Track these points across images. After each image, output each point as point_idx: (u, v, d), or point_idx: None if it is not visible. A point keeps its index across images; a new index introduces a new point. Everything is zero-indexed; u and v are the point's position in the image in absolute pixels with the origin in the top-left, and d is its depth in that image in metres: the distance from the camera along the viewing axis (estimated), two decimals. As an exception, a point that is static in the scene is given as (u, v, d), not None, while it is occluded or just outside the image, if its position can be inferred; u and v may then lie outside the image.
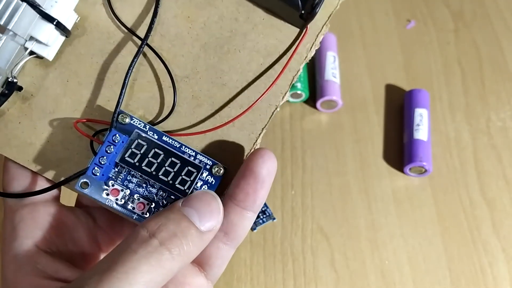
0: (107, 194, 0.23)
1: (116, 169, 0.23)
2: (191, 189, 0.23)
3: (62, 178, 0.24)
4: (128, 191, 0.23)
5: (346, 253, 0.42)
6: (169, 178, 0.23)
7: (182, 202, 0.22)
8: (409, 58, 0.53)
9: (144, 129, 0.23)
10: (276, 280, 0.41)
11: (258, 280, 0.41)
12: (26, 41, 0.23)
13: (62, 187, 0.25)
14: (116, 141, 0.23)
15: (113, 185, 0.23)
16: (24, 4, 0.22)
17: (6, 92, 0.23)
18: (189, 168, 0.23)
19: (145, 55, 0.25)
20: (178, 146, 0.24)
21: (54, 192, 0.25)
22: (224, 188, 0.24)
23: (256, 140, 0.25)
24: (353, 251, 0.43)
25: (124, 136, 0.23)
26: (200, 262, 0.23)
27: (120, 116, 0.23)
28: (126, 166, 0.23)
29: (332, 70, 0.49)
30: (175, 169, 0.23)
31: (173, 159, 0.23)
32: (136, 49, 0.24)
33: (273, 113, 0.25)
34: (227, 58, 0.25)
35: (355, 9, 0.55)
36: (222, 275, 0.26)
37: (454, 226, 0.44)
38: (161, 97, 0.25)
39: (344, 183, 0.46)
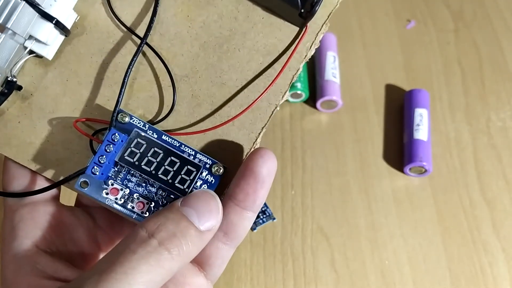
0: (107, 194, 0.23)
1: (116, 168, 0.23)
2: (190, 188, 0.23)
3: (62, 178, 0.24)
4: (127, 190, 0.23)
5: (346, 253, 0.42)
6: (168, 177, 0.23)
7: (181, 201, 0.22)
8: (409, 58, 0.53)
9: (144, 128, 0.23)
10: (276, 280, 0.41)
11: (258, 280, 0.41)
12: (26, 40, 0.23)
13: (62, 186, 0.25)
14: (116, 140, 0.23)
15: (112, 184, 0.23)
16: (23, 2, 0.22)
17: (6, 91, 0.23)
18: (189, 167, 0.23)
19: (144, 54, 0.25)
20: (177, 145, 0.24)
21: (53, 191, 0.25)
22: (224, 187, 0.24)
23: (256, 140, 0.25)
24: (353, 251, 0.42)
25: (123, 135, 0.23)
26: (199, 262, 0.23)
27: (119, 115, 0.23)
28: (125, 165, 0.23)
29: (332, 70, 0.49)
30: (174, 168, 0.23)
31: (172, 158, 0.23)
32: (136, 48, 0.24)
33: (273, 112, 0.25)
34: (227, 57, 0.25)
35: (355, 9, 0.55)
36: (222, 275, 0.26)
37: (454, 226, 0.44)
38: (160, 96, 0.25)
39: (344, 183, 0.46)
